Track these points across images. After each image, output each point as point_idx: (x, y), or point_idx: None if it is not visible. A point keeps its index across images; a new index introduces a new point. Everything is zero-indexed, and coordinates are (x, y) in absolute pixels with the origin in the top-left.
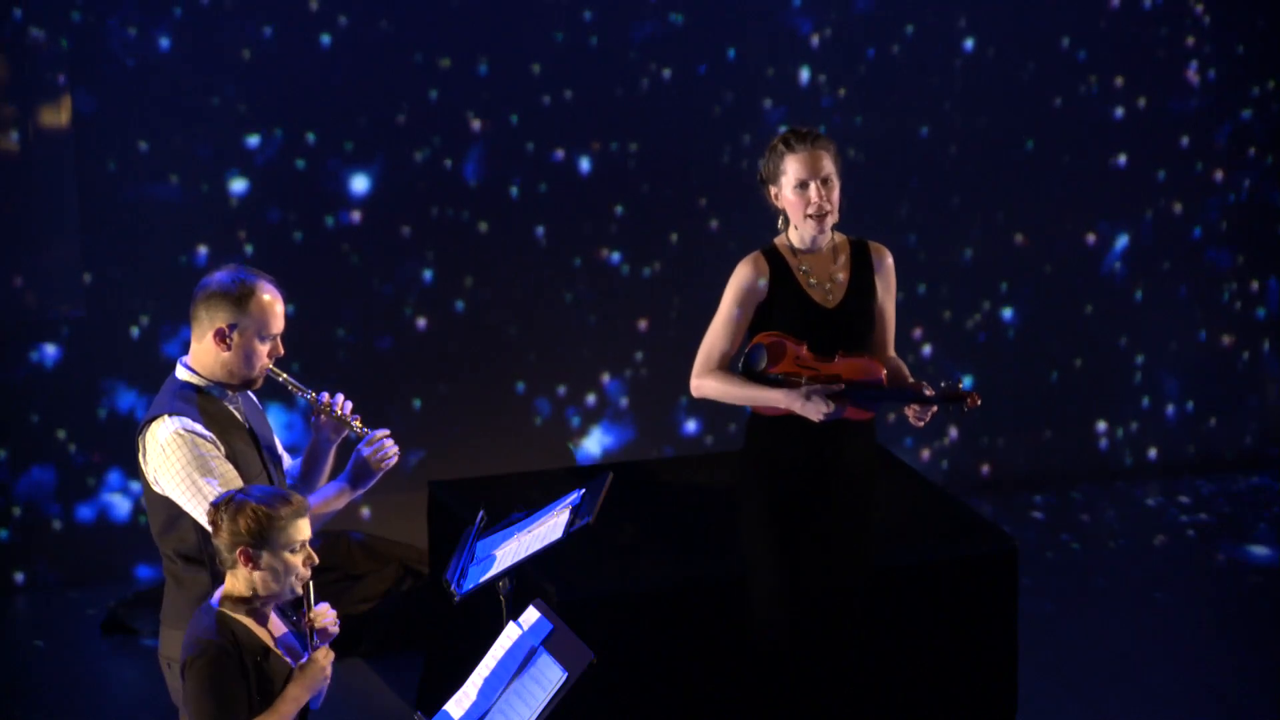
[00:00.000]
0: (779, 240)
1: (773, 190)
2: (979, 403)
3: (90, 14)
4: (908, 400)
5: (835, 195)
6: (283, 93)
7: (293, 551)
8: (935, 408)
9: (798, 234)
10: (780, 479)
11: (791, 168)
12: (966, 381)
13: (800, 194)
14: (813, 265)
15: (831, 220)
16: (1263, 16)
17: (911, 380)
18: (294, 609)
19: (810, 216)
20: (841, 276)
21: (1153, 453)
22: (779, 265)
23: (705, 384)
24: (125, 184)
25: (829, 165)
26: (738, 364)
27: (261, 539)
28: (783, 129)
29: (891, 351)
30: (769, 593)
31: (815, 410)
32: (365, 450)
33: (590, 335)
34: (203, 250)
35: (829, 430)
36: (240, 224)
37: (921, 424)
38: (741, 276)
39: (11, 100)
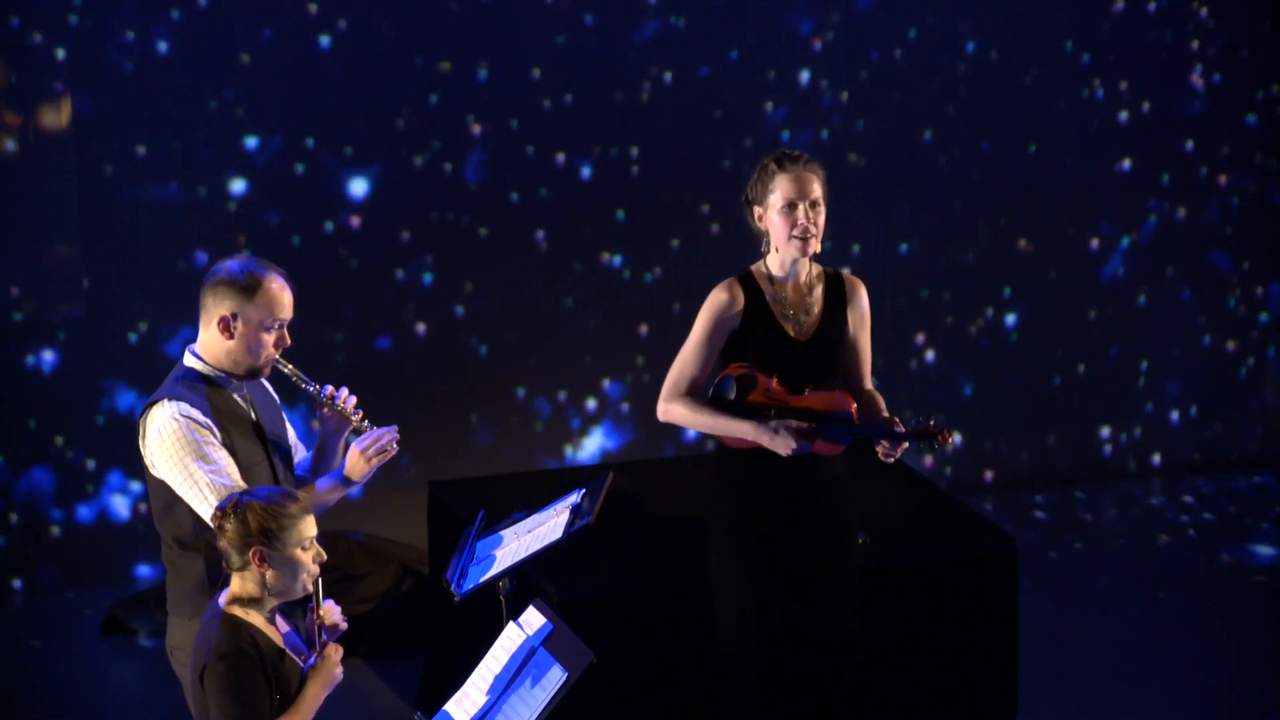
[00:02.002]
0: (756, 268)
1: (757, 211)
2: (950, 440)
3: (89, 17)
4: (878, 436)
5: (821, 220)
6: (282, 96)
7: (304, 549)
8: (906, 444)
9: (777, 259)
10: (754, 507)
11: (781, 188)
12: (966, 388)
13: (787, 215)
14: (788, 295)
15: (814, 246)
16: (1267, 20)
17: (885, 415)
18: (298, 608)
19: (795, 238)
20: (816, 309)
21: (1156, 458)
22: (754, 294)
23: (673, 409)
24: (124, 187)
25: (818, 189)
26: (707, 392)
27: (273, 538)
28: (784, 135)
29: (868, 384)
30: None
31: (784, 445)
32: (360, 444)
33: (591, 340)
34: (201, 253)
35: (799, 460)
36: (239, 227)
37: (891, 460)
38: (716, 303)
39: (11, 103)
